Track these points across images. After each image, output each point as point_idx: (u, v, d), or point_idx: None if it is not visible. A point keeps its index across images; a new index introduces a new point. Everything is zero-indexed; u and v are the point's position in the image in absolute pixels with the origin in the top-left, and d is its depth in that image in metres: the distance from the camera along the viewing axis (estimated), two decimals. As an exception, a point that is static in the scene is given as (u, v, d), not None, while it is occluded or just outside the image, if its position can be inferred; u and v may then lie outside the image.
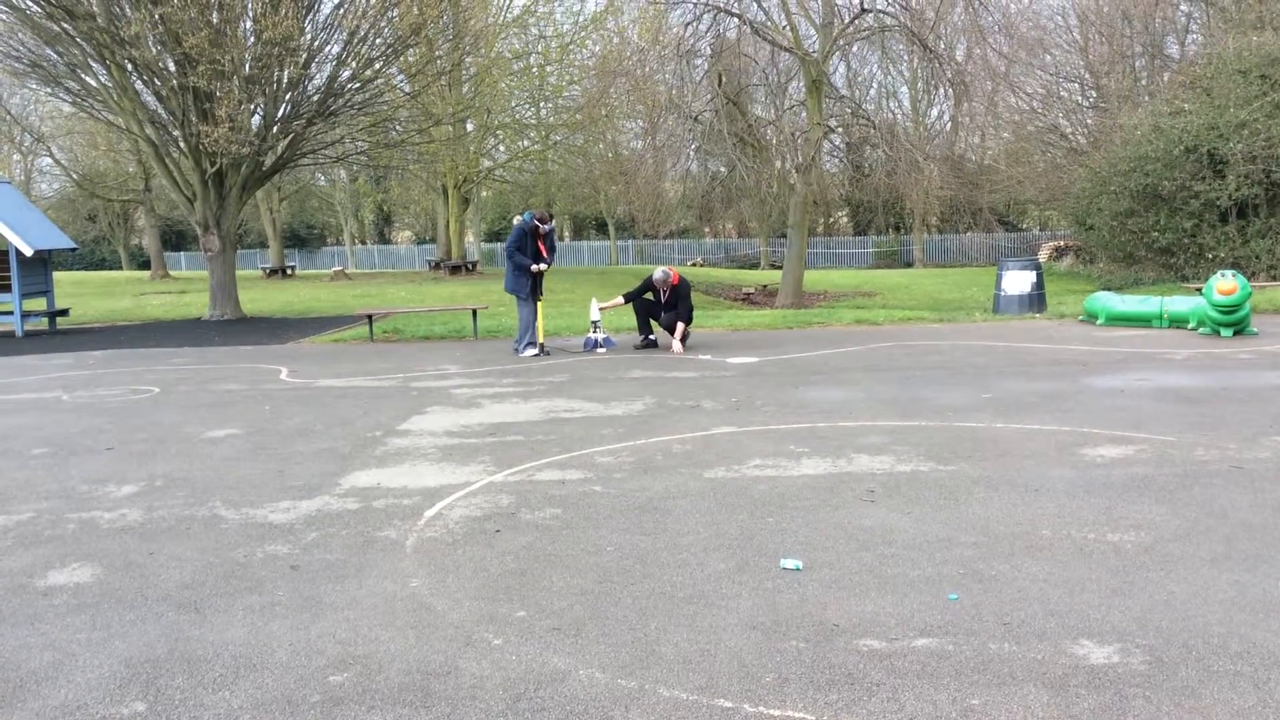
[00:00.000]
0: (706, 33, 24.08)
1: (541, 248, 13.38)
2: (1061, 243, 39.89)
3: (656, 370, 11.46)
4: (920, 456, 6.82)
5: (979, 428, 7.73)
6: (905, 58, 35.32)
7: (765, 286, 33.45)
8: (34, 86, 29.17)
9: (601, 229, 61.83)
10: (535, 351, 13.22)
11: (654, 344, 13.67)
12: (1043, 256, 38.05)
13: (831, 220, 60.06)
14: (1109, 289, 20.01)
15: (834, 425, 7.99)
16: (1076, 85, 36.08)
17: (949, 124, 42.56)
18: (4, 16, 20.11)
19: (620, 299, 14.15)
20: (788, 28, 24.82)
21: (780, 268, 32.95)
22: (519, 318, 13.55)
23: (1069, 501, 5.67)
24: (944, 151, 31.98)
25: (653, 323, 13.78)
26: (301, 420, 8.96)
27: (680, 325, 13.31)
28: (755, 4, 24.33)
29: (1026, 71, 34.54)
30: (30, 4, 19.02)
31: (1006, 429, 7.66)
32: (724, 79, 24.44)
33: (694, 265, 49.84)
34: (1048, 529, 5.18)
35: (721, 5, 23.32)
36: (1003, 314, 16.77)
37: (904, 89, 48.21)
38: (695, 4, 23.04)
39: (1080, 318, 15.53)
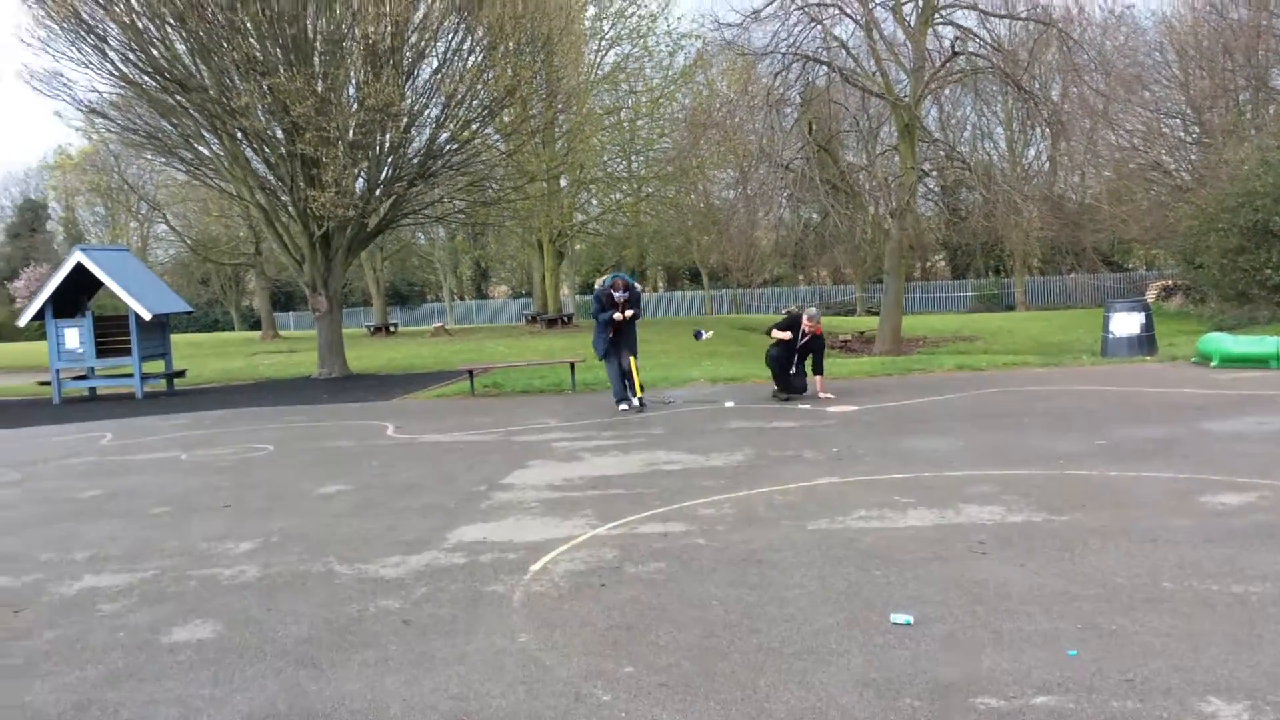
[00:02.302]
0: (796, 82, 24.22)
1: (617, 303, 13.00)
2: (1169, 282, 38.75)
3: (755, 421, 11.42)
4: (1032, 506, 6.67)
5: (1092, 476, 7.53)
6: (999, 98, 34.97)
7: (862, 333, 33.13)
8: (150, 156, 30.59)
9: (695, 279, 62.02)
10: (626, 407, 13.06)
11: (801, 389, 13.16)
12: (1150, 296, 37.00)
13: (928, 264, 59.32)
14: (1221, 329, 19.35)
15: (940, 474, 7.86)
16: (1178, 121, 35.21)
17: (1047, 164, 41.87)
18: (123, 91, 21.19)
19: (783, 333, 13.22)
20: (878, 74, 24.79)
21: (877, 314, 32.64)
22: (608, 376, 13.41)
23: (1190, 552, 5.48)
24: (1043, 192, 31.43)
25: (793, 377, 13.17)
26: (408, 476, 9.14)
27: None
28: (844, 51, 24.40)
29: (1125, 108, 33.82)
30: (146, 79, 20.01)
31: (1121, 477, 7.44)
32: (814, 126, 24.50)
33: (788, 313, 49.66)
34: (1169, 581, 5.01)
35: (810, 54, 23.45)
36: (1111, 357, 16.33)
37: (999, 130, 47.60)
38: (784, 54, 23.21)
39: (1193, 359, 15.04)
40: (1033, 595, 4.89)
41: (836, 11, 23.89)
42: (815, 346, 13.22)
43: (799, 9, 22.99)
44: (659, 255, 53.66)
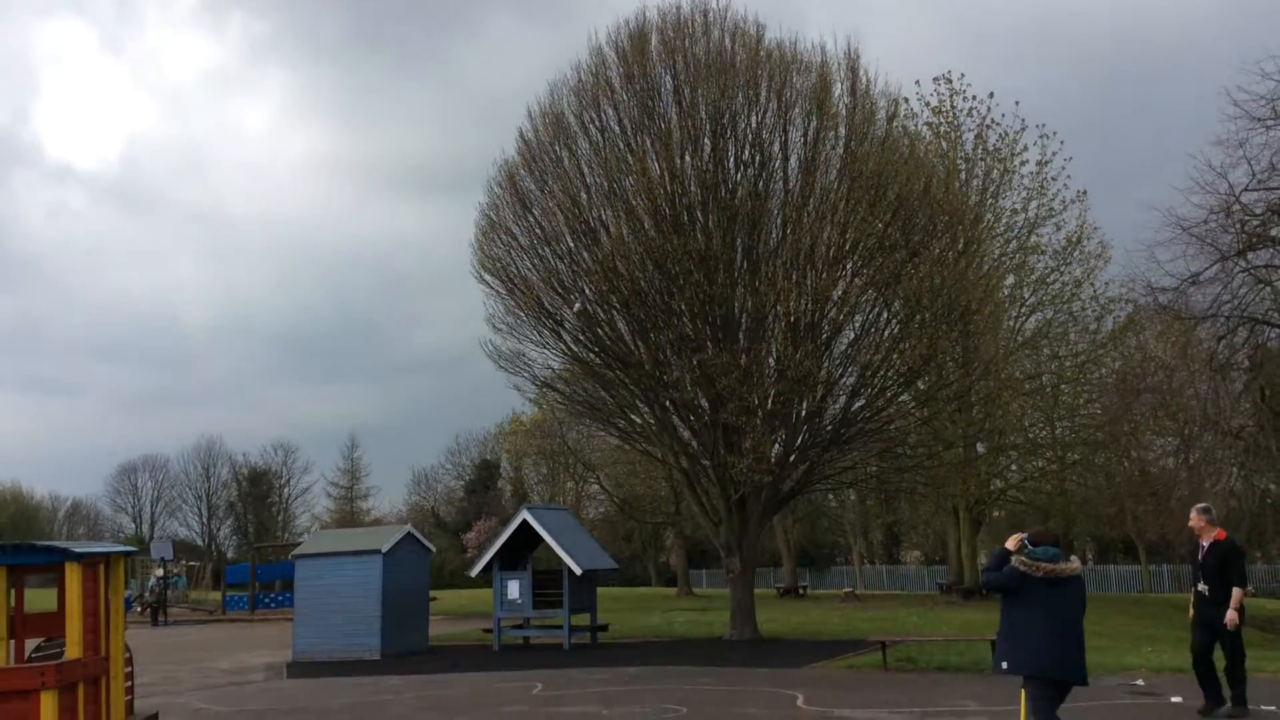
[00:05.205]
0: (1243, 345, 22.46)
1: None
2: None
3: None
4: None
5: None
6: None
7: (1338, 625, 28.50)
8: (589, 423, 33.58)
9: (1130, 552, 56.90)
10: None
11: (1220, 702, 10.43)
12: None
13: None
14: None
15: None
16: None
17: None
18: (571, 367, 23.73)
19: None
20: (1342, 335, 22.46)
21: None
22: None
23: None
24: None
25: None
26: (820, 754, 8.91)
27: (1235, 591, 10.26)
28: (1299, 312, 22.41)
29: None
30: (592, 356, 22.33)
31: None
32: (1268, 392, 22.37)
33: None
34: None
35: (1259, 316, 21.75)
36: None
37: None
38: (1228, 317, 21.71)
39: None
40: None
41: (1288, 272, 22.22)
42: (1227, 558, 10.20)
43: (1244, 271, 21.60)
44: (1088, 526, 49.99)
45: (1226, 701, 10.31)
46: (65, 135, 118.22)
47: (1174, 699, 11.77)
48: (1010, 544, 7.89)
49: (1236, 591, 10.19)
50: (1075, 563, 7.80)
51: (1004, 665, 7.84)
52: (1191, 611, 10.87)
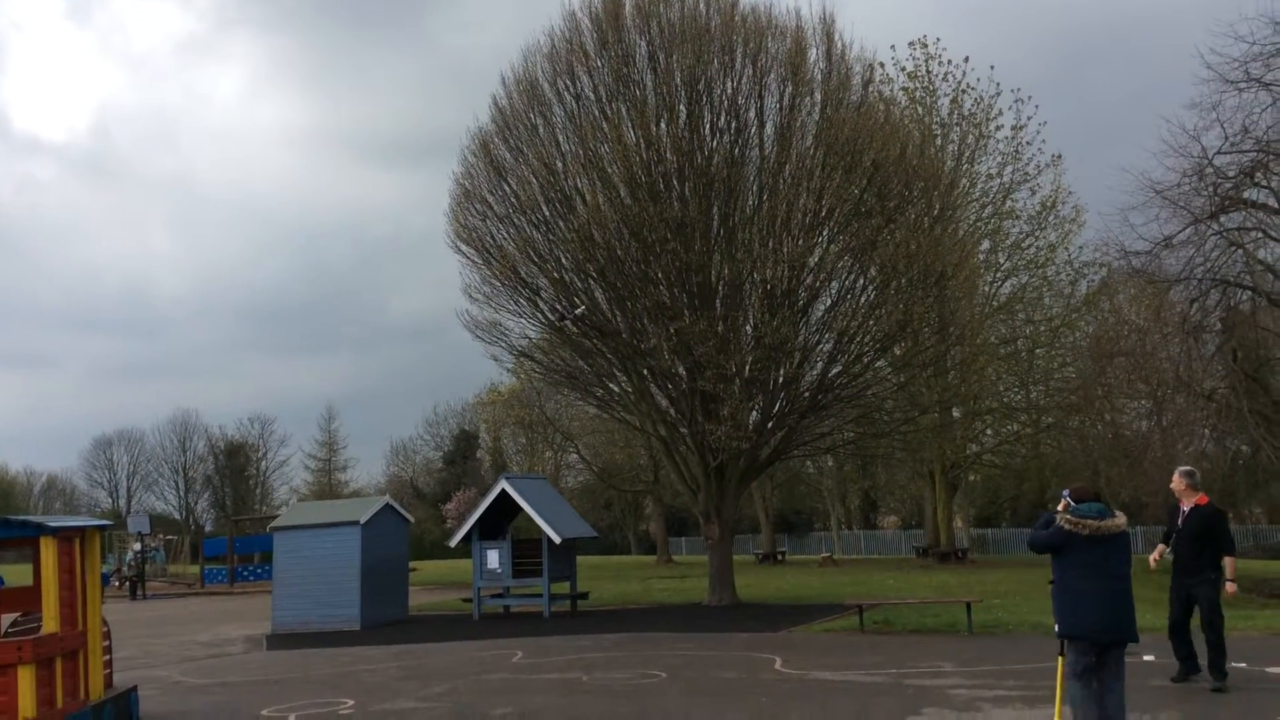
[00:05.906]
0: (1215, 307, 22.63)
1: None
2: None
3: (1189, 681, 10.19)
4: None
5: None
6: None
7: (1308, 582, 28.95)
8: (567, 393, 33.57)
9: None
10: None
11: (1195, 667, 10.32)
12: None
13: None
14: None
15: None
16: None
17: None
18: (549, 336, 23.68)
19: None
20: (1313, 297, 22.67)
21: (1328, 560, 28.57)
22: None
23: None
24: None
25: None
26: (799, 716, 9.00)
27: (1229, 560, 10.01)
28: (1270, 275, 22.56)
29: None
30: (570, 326, 22.28)
31: None
32: (1239, 354, 22.59)
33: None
34: None
35: (1231, 279, 21.92)
36: None
37: None
38: (1200, 280, 21.86)
39: None
40: None
41: (1260, 235, 22.33)
42: (1211, 524, 9.88)
43: (1216, 234, 21.74)
44: (1062, 489, 50.47)
45: (1202, 669, 10.30)
46: (33, 106, 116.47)
47: (1147, 658, 11.92)
48: (1060, 509, 7.69)
49: (1229, 561, 10.07)
50: (1121, 518, 7.51)
51: (1056, 629, 7.55)
52: (1154, 559, 10.92)
